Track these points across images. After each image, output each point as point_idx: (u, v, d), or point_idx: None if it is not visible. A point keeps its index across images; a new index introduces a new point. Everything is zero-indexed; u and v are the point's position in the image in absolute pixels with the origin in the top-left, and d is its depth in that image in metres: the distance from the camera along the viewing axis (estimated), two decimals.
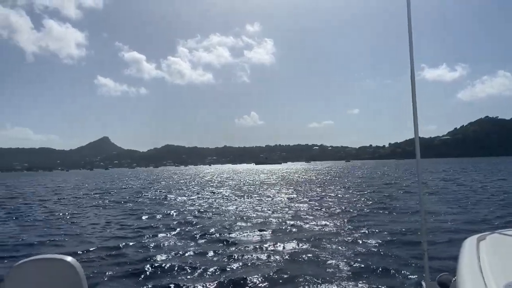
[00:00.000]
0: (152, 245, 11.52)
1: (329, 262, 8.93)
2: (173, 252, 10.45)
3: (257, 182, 46.20)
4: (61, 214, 20.47)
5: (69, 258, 1.69)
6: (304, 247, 10.61)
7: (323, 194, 26.93)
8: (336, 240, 11.35)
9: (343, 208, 18.56)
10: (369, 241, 11.03)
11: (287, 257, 9.57)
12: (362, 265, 8.53)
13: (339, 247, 10.41)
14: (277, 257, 9.55)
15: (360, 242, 11.02)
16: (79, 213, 20.69)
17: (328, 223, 14.40)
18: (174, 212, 19.45)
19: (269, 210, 18.98)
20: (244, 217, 16.64)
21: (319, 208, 18.80)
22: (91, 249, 11.28)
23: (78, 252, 10.90)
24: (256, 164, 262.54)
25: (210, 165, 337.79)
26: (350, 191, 28.93)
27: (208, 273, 8.43)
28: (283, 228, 13.71)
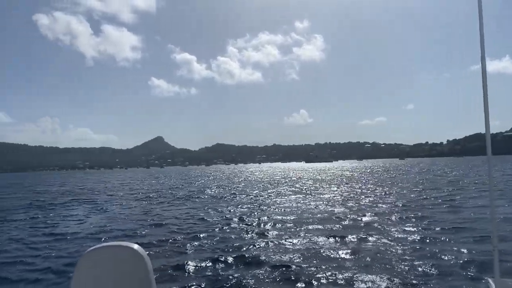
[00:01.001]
0: (216, 238, 12.28)
1: (395, 258, 9.11)
2: (236, 244, 11.24)
3: (311, 180, 46.53)
4: (136, 207, 22.47)
5: (135, 246, 1.78)
6: (368, 243, 10.84)
7: (383, 191, 26.91)
8: (402, 237, 11.57)
9: (407, 206, 18.62)
10: (435, 237, 11.27)
11: (348, 252, 9.79)
12: (428, 260, 8.70)
13: (405, 244, 10.55)
14: (338, 252, 9.83)
15: (426, 238, 11.24)
16: (153, 207, 22.52)
17: (391, 221, 14.62)
18: (235, 206, 20.64)
19: (330, 207, 19.49)
20: (304, 214, 17.35)
21: (381, 206, 18.95)
22: (160, 239, 12.43)
23: (148, 241, 12.13)
24: (306, 162, 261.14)
25: (259, 163, 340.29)
26: (411, 188, 28.58)
27: (272, 266, 8.81)
28: (345, 225, 14.07)
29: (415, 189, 27.64)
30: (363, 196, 23.95)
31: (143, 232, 14.07)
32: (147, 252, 1.61)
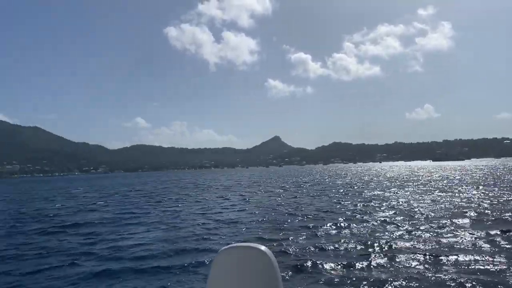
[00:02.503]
0: (351, 238, 12.02)
1: None
2: (367, 243, 11.15)
3: (442, 180, 43.56)
4: (277, 199, 24.49)
5: (263, 247, 1.88)
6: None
7: None
8: None
9: None
10: None
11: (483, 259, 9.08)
12: None
13: None
14: (480, 257, 9.20)
15: None
16: (292, 200, 24.25)
17: None
18: (365, 203, 21.11)
19: (472, 208, 18.60)
20: (442, 214, 16.96)
21: None
22: (297, 233, 13.10)
23: (276, 240, 12.20)
24: (433, 161, 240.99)
25: (380, 162, 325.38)
26: None
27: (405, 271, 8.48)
28: (492, 232, 13.32)
29: None
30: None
31: (285, 224, 15.24)
32: (277, 250, 2.04)
